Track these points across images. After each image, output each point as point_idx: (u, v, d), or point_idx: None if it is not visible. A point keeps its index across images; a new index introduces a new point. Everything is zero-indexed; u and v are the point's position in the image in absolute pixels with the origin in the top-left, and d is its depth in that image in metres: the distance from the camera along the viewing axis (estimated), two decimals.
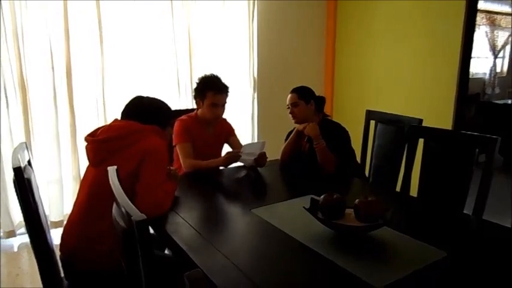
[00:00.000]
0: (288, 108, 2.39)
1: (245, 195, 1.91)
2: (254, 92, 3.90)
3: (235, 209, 1.73)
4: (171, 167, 1.83)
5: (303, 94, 2.37)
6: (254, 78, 3.85)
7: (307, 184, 2.06)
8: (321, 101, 2.45)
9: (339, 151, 2.26)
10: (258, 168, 2.24)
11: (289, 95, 2.40)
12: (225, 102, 2.29)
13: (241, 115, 3.89)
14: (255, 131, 3.98)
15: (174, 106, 2.85)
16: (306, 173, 2.24)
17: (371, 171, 2.51)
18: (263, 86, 3.90)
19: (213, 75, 2.29)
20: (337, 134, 2.30)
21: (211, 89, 2.24)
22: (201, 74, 2.32)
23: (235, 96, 3.64)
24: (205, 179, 2.11)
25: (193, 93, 2.32)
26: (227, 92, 2.29)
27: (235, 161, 2.18)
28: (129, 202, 1.10)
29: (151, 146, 1.60)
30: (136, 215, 1.02)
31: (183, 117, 2.33)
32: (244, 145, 2.20)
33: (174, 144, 2.25)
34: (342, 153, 2.27)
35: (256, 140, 3.95)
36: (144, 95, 1.78)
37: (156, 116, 1.72)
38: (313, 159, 2.29)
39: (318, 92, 2.49)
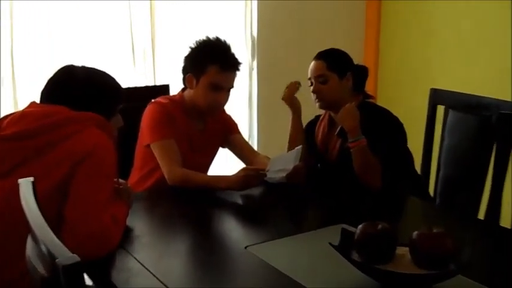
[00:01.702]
0: (310, 83, 2.40)
1: (238, 224, 1.91)
2: (253, 59, 3.92)
3: (222, 245, 1.74)
4: (121, 180, 1.83)
5: (335, 63, 2.36)
6: (253, 38, 3.87)
7: (334, 207, 2.05)
8: (361, 74, 2.46)
9: (388, 155, 2.26)
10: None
11: (313, 64, 2.39)
12: (233, 87, 2.32)
13: (233, 94, 3.91)
14: (253, 119, 4.01)
15: (126, 82, 2.85)
16: (333, 189, 2.24)
17: (438, 187, 2.51)
18: (266, 51, 3.92)
19: (220, 40, 2.30)
20: (385, 128, 2.30)
21: (216, 62, 2.24)
22: (201, 37, 2.32)
23: None
24: (178, 195, 2.12)
25: (184, 64, 2.34)
26: (238, 70, 2.31)
27: (255, 184, 2.15)
28: (53, 234, 1.10)
29: (90, 146, 1.60)
30: (64, 255, 1.01)
31: (161, 99, 2.35)
32: (273, 158, 2.20)
33: (147, 142, 2.27)
34: (392, 159, 2.27)
35: (256, 138, 3.98)
36: (78, 64, 1.79)
37: (97, 98, 1.73)
38: (346, 167, 2.28)
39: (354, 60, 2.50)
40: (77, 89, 1.71)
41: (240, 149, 2.47)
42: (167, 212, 2.02)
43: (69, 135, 1.61)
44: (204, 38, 2.31)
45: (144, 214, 1.99)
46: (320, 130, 2.51)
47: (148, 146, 2.26)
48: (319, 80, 2.35)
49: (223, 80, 2.26)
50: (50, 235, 1.09)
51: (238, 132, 2.51)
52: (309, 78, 2.39)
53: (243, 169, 2.15)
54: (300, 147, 2.21)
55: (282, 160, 2.19)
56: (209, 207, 2.06)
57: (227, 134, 2.47)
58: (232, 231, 1.91)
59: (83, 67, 1.78)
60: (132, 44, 3.43)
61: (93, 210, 1.57)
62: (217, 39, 2.30)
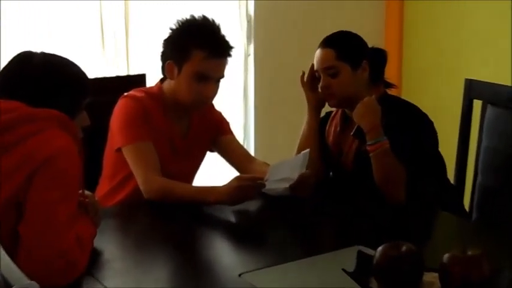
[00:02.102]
0: (316, 76, 2.41)
1: (231, 246, 1.93)
2: (249, 43, 3.94)
3: (211, 272, 1.74)
4: (87, 193, 1.84)
5: (347, 50, 2.36)
6: (249, 17, 3.90)
7: (349, 224, 2.06)
8: (379, 61, 2.46)
9: (414, 160, 2.26)
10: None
11: (319, 53, 2.39)
12: (223, 76, 2.33)
13: (223, 86, 3.88)
14: (249, 116, 4.03)
15: (93, 71, 2.85)
16: (348, 202, 2.26)
17: (474, 199, 2.51)
18: (266, 33, 3.93)
19: (207, 19, 2.31)
20: (411, 127, 2.31)
21: (202, 47, 2.25)
22: (184, 15, 2.33)
23: None
24: (157, 211, 2.13)
25: (163, 49, 2.35)
26: (230, 56, 2.32)
27: (252, 197, 2.15)
28: (7, 257, 1.10)
29: (49, 151, 1.61)
30: (21, 282, 1.03)
31: (135, 93, 2.36)
32: (274, 165, 2.20)
33: (118, 145, 2.27)
34: (419, 165, 2.27)
35: (252, 140, 3.98)
36: (36, 50, 1.79)
37: (59, 92, 1.73)
38: (363, 174, 2.30)
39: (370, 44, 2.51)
40: (35, 80, 1.71)
41: (233, 153, 2.48)
42: (144, 231, 2.02)
43: (25, 138, 1.61)
44: (188, 17, 2.32)
45: (116, 234, 2.00)
46: (332, 130, 2.51)
47: (119, 150, 2.26)
48: (328, 72, 2.35)
49: (210, 68, 2.26)
50: (4, 258, 1.10)
51: (231, 133, 2.52)
52: (316, 71, 2.40)
53: (237, 178, 2.15)
54: (307, 151, 2.21)
55: (285, 167, 2.19)
56: (195, 225, 2.06)
57: (216, 135, 2.48)
58: (224, 255, 1.91)
59: (42, 54, 1.78)
60: (101, 23, 3.44)
61: (53, 229, 1.57)
62: (204, 19, 2.31)
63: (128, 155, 2.24)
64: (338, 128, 2.48)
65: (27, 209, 1.57)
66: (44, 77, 1.72)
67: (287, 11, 3.98)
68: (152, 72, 2.65)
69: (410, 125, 2.31)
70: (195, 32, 2.28)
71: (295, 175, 2.15)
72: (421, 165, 2.28)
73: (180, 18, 2.32)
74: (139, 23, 3.57)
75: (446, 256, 1.45)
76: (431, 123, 2.35)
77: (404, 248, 1.46)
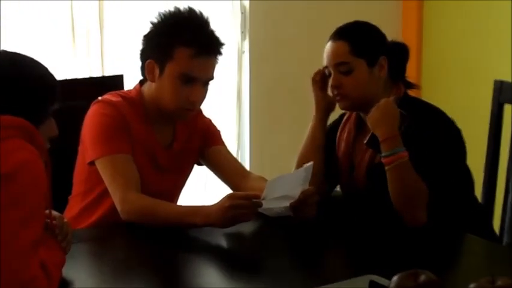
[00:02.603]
0: (326, 73, 2.42)
1: (223, 275, 1.93)
2: (243, 39, 3.97)
3: None
4: (54, 213, 1.84)
5: (362, 44, 2.38)
6: (243, 9, 3.95)
7: (360, 250, 2.07)
8: (399, 57, 2.47)
9: (438, 175, 2.26)
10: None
11: (330, 46, 2.40)
12: (212, 78, 2.34)
13: (214, 89, 3.89)
14: (243, 123, 4.06)
15: (62, 71, 2.85)
16: (359, 224, 2.27)
17: (506, 220, 2.53)
18: (262, 27, 3.98)
19: (194, 12, 2.33)
20: (435, 136, 2.30)
21: (188, 44, 2.26)
22: (168, 8, 2.33)
23: None
24: (136, 234, 2.14)
25: (143, 46, 2.36)
26: (220, 54, 2.34)
27: (247, 219, 2.13)
28: None
29: (10, 165, 1.60)
30: None
31: (110, 97, 2.37)
32: (272, 181, 2.16)
33: (91, 158, 2.28)
34: (443, 181, 2.27)
35: (247, 151, 3.99)
36: None
37: (22, 96, 1.73)
38: (376, 191, 2.31)
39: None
40: None
41: (223, 166, 2.48)
42: (122, 258, 2.03)
43: None
44: (172, 9, 2.33)
45: (89, 261, 2.01)
46: (343, 137, 2.52)
47: (93, 163, 2.26)
48: (340, 69, 2.36)
49: (197, 68, 2.27)
50: None
51: (221, 143, 2.53)
52: (325, 67, 2.40)
53: (228, 197, 2.12)
54: (310, 164, 2.21)
55: (285, 183, 2.18)
56: (181, 250, 2.07)
57: (204, 146, 2.49)
58: (213, 285, 1.91)
59: (4, 52, 1.79)
60: (72, 17, 3.48)
61: (14, 256, 1.56)
62: (190, 11, 2.32)
63: (102, 169, 2.24)
64: (352, 135, 2.48)
65: None
66: (4, 79, 1.72)
67: (287, 2, 4.01)
68: (131, 74, 2.66)
69: (434, 133, 2.30)
70: (179, 26, 2.29)
71: (296, 192, 2.15)
72: (445, 181, 2.27)
73: (163, 11, 2.33)
74: (117, 15, 3.62)
75: (472, 287, 1.45)
76: (458, 131, 2.35)
77: (423, 278, 1.46)
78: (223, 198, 2.12)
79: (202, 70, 2.28)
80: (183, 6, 2.33)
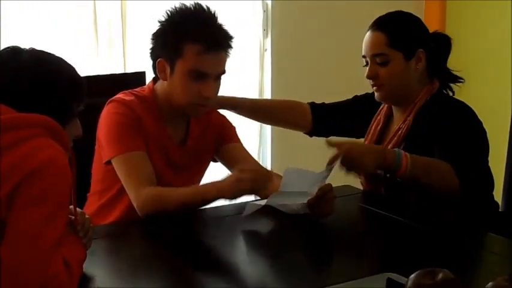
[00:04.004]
0: (365, 63, 2.41)
1: (238, 271, 1.94)
2: (265, 36, 3.97)
3: None
4: (77, 210, 1.85)
5: (400, 36, 2.37)
6: (265, 6, 3.96)
7: (377, 247, 2.08)
8: (440, 50, 2.45)
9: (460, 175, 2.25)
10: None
11: (369, 36, 2.41)
12: (224, 72, 2.34)
13: (237, 85, 3.96)
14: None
15: (85, 69, 2.87)
16: (376, 219, 2.28)
17: None
18: (285, 25, 4.00)
19: (201, 8, 2.32)
20: (461, 137, 2.30)
21: (196, 40, 2.26)
22: (176, 4, 2.33)
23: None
24: (155, 230, 2.14)
25: (152, 45, 2.36)
26: (230, 47, 2.33)
27: (254, 191, 2.17)
28: None
29: (37, 162, 1.61)
30: None
31: (123, 96, 2.37)
32: (289, 172, 2.14)
33: (107, 157, 2.29)
34: (465, 182, 2.26)
35: (268, 148, 3.99)
36: (23, 46, 1.80)
37: (50, 95, 1.74)
38: (396, 185, 2.33)
39: None
40: (22, 81, 1.72)
41: (238, 164, 2.42)
42: (139, 256, 2.03)
43: (9, 146, 1.62)
44: (179, 5, 2.32)
45: (108, 257, 2.01)
46: (372, 127, 2.55)
47: (109, 162, 2.28)
48: (376, 60, 2.37)
49: (207, 63, 2.27)
50: None
51: (236, 140, 2.53)
52: (363, 56, 2.41)
53: (238, 170, 2.13)
54: (333, 165, 2.19)
55: (305, 179, 2.17)
56: (199, 248, 2.08)
57: (219, 143, 2.50)
58: (230, 281, 1.91)
59: (32, 51, 1.79)
60: (95, 15, 3.51)
61: (38, 252, 1.58)
62: (196, 7, 2.32)
63: (118, 167, 2.26)
64: (380, 126, 2.49)
65: (9, 229, 1.58)
66: (33, 78, 1.73)
67: (309, 1, 4.04)
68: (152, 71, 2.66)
69: (460, 134, 2.30)
70: (186, 23, 2.29)
71: (314, 190, 2.14)
72: (467, 183, 2.26)
73: (170, 8, 2.33)
74: (138, 16, 3.65)
75: (489, 285, 1.45)
76: (484, 132, 2.35)
77: (440, 276, 1.46)
78: (233, 172, 2.15)
79: (212, 65, 2.28)
80: (191, 2, 2.33)
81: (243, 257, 2.08)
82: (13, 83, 1.72)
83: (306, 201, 2.14)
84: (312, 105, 2.72)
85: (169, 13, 2.31)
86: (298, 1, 3.98)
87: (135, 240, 2.16)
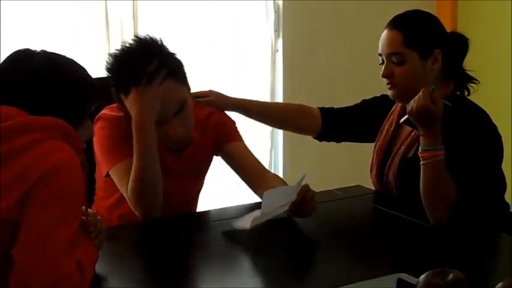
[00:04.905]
0: (381, 61, 2.41)
1: (249, 270, 1.96)
2: (277, 37, 3.98)
3: None
4: (89, 211, 1.87)
5: (417, 36, 2.36)
6: (276, 6, 3.96)
7: (386, 247, 2.08)
8: (456, 50, 2.43)
9: (472, 177, 2.25)
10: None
11: (386, 34, 2.39)
12: (182, 101, 2.25)
13: (250, 87, 4.00)
14: None
15: (97, 70, 2.89)
16: (386, 221, 2.28)
17: None
18: (297, 25, 4.00)
19: (124, 49, 2.24)
20: (475, 138, 2.28)
21: (125, 90, 2.21)
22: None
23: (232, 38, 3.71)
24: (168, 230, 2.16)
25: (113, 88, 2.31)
26: (175, 76, 2.24)
27: None
28: None
29: (50, 164, 1.62)
30: None
31: (108, 111, 2.36)
32: (266, 195, 2.07)
33: (105, 171, 2.31)
34: (476, 183, 2.26)
35: (280, 149, 3.99)
36: (35, 48, 1.80)
37: (62, 97, 1.75)
38: (406, 188, 2.32)
39: None
40: (34, 83, 1.72)
41: (239, 164, 2.45)
42: (150, 256, 2.05)
43: (22, 149, 1.63)
44: (116, 49, 2.26)
45: (119, 258, 2.02)
46: (385, 127, 2.53)
47: (108, 175, 2.31)
48: (392, 58, 2.36)
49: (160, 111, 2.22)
50: None
51: (238, 139, 2.48)
52: (380, 54, 2.41)
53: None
54: (303, 176, 2.13)
55: (281, 194, 2.14)
56: (209, 245, 2.10)
57: (220, 143, 2.46)
58: (240, 281, 1.91)
59: (44, 53, 1.79)
60: (106, 16, 3.53)
61: (52, 254, 1.58)
62: (121, 51, 2.25)
63: (113, 178, 2.30)
64: (393, 127, 2.49)
65: (22, 230, 1.58)
66: (44, 80, 1.73)
67: (320, 2, 4.03)
68: None
69: (473, 137, 2.28)
70: (111, 74, 2.25)
71: (292, 198, 2.10)
72: (478, 184, 2.26)
73: (114, 50, 2.28)
74: (150, 17, 3.66)
75: (500, 285, 1.44)
76: (499, 136, 2.33)
77: (450, 276, 1.46)
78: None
79: (160, 110, 2.21)
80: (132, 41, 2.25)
81: (247, 257, 2.09)
82: (25, 85, 1.72)
83: (287, 208, 2.11)
84: (321, 109, 2.73)
85: (112, 56, 2.25)
86: (309, 1, 3.98)
87: (143, 242, 2.18)
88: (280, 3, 3.91)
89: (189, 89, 2.32)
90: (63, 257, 1.60)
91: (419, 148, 2.23)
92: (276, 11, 3.91)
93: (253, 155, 2.48)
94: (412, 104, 2.19)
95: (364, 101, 2.72)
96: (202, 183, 2.54)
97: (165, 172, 2.30)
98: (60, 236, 1.60)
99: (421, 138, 2.22)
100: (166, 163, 2.34)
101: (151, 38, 2.24)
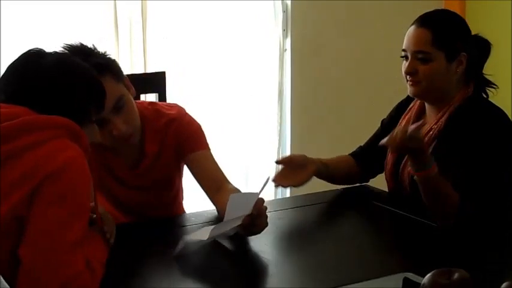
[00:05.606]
0: (404, 57, 2.38)
1: (253, 268, 1.96)
2: (285, 37, 3.98)
3: None
4: (101, 211, 1.88)
5: (446, 37, 2.33)
6: (285, 6, 3.95)
7: (394, 247, 2.09)
8: (479, 54, 2.41)
9: (483, 181, 2.24)
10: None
11: (413, 31, 2.36)
12: (119, 98, 2.14)
13: (258, 88, 4.04)
14: (285, 122, 4.07)
15: None
16: (393, 220, 2.28)
17: None
18: (305, 25, 3.99)
19: (73, 45, 2.14)
20: (489, 143, 2.27)
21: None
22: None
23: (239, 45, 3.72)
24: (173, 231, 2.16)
25: None
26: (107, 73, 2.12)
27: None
28: (4, 283, 1.12)
29: (58, 162, 1.63)
30: None
31: None
32: (230, 199, 1.97)
33: None
34: (487, 187, 2.25)
35: (288, 150, 3.98)
36: (43, 48, 1.81)
37: (68, 98, 1.75)
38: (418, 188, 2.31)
39: None
40: (44, 84, 1.74)
41: (198, 176, 2.35)
42: (156, 256, 2.04)
43: (29, 148, 1.63)
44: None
45: (127, 254, 2.01)
46: (402, 123, 2.50)
47: None
48: (418, 56, 2.33)
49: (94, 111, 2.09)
50: (3, 286, 1.11)
51: (201, 148, 2.36)
52: (404, 50, 2.37)
53: None
54: (267, 179, 2.05)
55: (245, 201, 2.00)
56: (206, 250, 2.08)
57: (181, 154, 2.35)
58: (242, 279, 1.92)
59: (55, 54, 1.81)
60: (115, 15, 3.54)
61: (59, 253, 1.59)
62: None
63: None
64: (409, 125, 2.48)
65: (29, 229, 1.59)
66: (53, 80, 1.74)
67: (329, 2, 4.03)
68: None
69: (488, 140, 2.27)
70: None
71: (249, 209, 1.97)
72: (488, 189, 2.25)
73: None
74: (158, 16, 3.67)
75: (505, 285, 1.44)
76: None
77: (456, 276, 1.47)
78: None
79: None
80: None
81: (249, 257, 2.08)
82: (35, 85, 1.73)
83: (240, 223, 1.98)
84: (353, 154, 2.69)
85: None
86: (317, 1, 3.97)
87: (150, 241, 2.15)
88: (289, 3, 3.91)
89: (126, 86, 2.21)
90: (69, 255, 1.61)
91: (411, 167, 2.23)
92: (284, 11, 3.91)
93: (215, 165, 2.36)
94: (391, 144, 2.20)
95: (383, 122, 2.68)
96: (177, 188, 2.47)
97: (125, 186, 2.30)
98: (67, 235, 1.61)
99: (409, 161, 2.23)
100: (123, 179, 2.31)
101: (81, 44, 2.16)
